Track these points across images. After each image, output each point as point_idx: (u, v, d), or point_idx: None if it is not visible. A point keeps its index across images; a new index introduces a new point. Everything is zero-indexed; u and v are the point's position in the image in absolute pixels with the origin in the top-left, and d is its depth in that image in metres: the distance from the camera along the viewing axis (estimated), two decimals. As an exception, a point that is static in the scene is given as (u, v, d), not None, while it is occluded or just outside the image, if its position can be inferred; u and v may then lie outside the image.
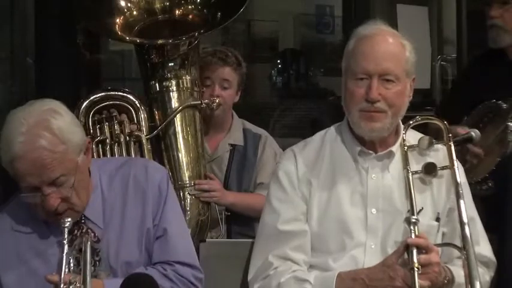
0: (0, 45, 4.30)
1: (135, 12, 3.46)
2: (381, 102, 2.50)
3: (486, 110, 3.37)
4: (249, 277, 2.60)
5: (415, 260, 2.37)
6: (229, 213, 3.58)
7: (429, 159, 2.62)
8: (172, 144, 3.37)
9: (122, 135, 3.25)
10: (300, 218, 2.58)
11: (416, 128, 2.71)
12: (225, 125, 3.70)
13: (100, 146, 3.23)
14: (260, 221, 2.66)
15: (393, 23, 5.22)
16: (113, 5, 3.44)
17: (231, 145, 3.67)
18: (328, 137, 2.67)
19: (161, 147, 3.38)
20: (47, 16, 4.05)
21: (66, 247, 2.33)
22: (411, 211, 2.50)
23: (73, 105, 3.12)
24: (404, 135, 2.63)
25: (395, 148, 2.62)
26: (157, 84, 3.37)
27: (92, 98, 3.26)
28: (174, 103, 3.36)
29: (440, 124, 2.71)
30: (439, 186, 2.62)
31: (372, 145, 2.60)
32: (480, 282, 2.39)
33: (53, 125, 2.38)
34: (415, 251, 2.38)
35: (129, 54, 5.81)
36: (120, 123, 3.27)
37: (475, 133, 3.20)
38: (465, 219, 2.49)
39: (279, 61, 7.40)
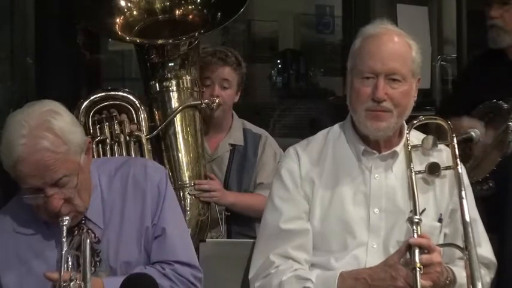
0: (0, 45, 4.30)
1: (135, 12, 3.46)
2: (387, 102, 2.50)
3: (486, 110, 3.38)
4: (250, 275, 2.59)
5: (417, 260, 2.37)
6: (229, 213, 3.57)
7: (432, 160, 2.63)
8: (172, 144, 3.37)
9: (122, 135, 3.25)
10: (302, 216, 2.57)
11: (417, 128, 2.71)
12: (225, 125, 3.70)
13: (100, 146, 3.23)
14: (262, 220, 2.66)
15: (393, 23, 5.23)
16: (113, 5, 3.44)
17: (231, 145, 3.67)
18: (331, 136, 2.67)
19: (161, 147, 3.37)
20: (47, 16, 4.06)
21: (65, 245, 2.33)
22: (414, 211, 2.50)
23: (73, 105, 3.12)
24: (408, 135, 2.63)
25: (399, 148, 2.62)
26: (157, 84, 3.37)
27: (92, 98, 3.26)
28: (174, 103, 3.36)
29: (444, 124, 2.71)
30: (441, 186, 2.62)
31: (376, 145, 2.60)
32: (482, 284, 2.39)
33: (55, 126, 2.38)
34: (417, 251, 2.39)
35: (129, 54, 5.80)
36: (120, 123, 3.27)
37: (475, 133, 3.20)
38: (468, 220, 2.49)
39: (279, 61, 7.39)
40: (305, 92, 7.29)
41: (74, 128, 2.45)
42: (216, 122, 3.65)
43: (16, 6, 4.27)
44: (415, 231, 2.43)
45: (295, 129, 6.67)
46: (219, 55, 3.60)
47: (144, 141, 3.26)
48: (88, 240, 2.38)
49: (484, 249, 2.61)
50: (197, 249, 2.74)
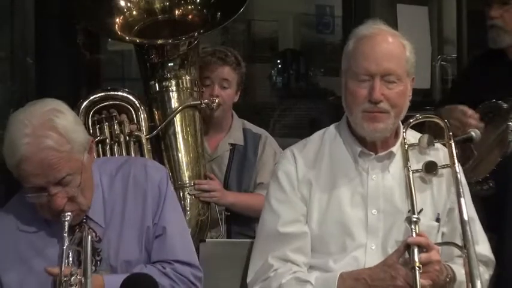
0: (0, 45, 4.30)
1: (134, 12, 3.46)
2: (384, 103, 2.50)
3: (486, 110, 3.38)
4: (248, 279, 2.59)
5: (416, 259, 2.37)
6: (229, 213, 3.57)
7: (429, 159, 2.62)
8: (172, 144, 3.37)
9: (122, 135, 3.25)
10: (300, 219, 2.57)
11: (413, 127, 2.71)
12: (224, 124, 3.70)
13: (100, 146, 3.23)
14: (259, 223, 2.65)
15: (393, 23, 5.22)
16: (113, 5, 3.44)
17: (231, 145, 3.66)
18: (327, 137, 2.66)
19: (161, 147, 3.38)
20: (47, 16, 4.06)
21: (66, 240, 2.33)
22: (412, 210, 2.50)
23: (73, 105, 3.12)
24: (404, 134, 2.63)
25: (396, 149, 2.61)
26: (157, 84, 3.37)
27: (91, 98, 3.26)
28: (174, 103, 3.36)
29: (441, 122, 2.71)
30: (439, 186, 2.62)
31: (372, 146, 2.59)
32: (481, 281, 2.39)
33: (58, 125, 2.38)
34: (416, 250, 2.38)
35: (129, 54, 5.80)
36: (120, 123, 3.27)
37: (475, 133, 3.20)
38: (466, 218, 2.49)
39: (279, 61, 7.39)
40: (305, 92, 7.28)
41: (77, 127, 2.45)
42: (216, 121, 3.65)
43: (16, 6, 4.26)
44: (413, 230, 2.44)
45: (295, 129, 6.67)
46: (218, 55, 3.59)
47: (144, 141, 3.26)
48: (89, 236, 2.38)
49: (482, 247, 2.61)
50: (197, 249, 2.74)
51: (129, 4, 3.45)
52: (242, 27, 7.03)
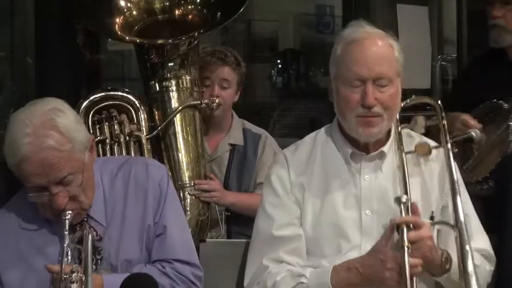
0: (0, 45, 4.30)
1: (134, 12, 3.46)
2: (377, 107, 2.49)
3: (487, 110, 3.38)
4: (245, 283, 2.59)
5: (405, 238, 2.37)
6: (229, 213, 3.58)
7: (423, 161, 2.61)
8: (172, 144, 3.37)
9: (122, 135, 3.25)
10: (295, 222, 2.57)
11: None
12: (224, 124, 3.70)
13: (100, 146, 3.23)
14: (254, 227, 2.64)
15: (393, 23, 5.23)
16: (113, 5, 3.44)
17: (231, 145, 3.66)
18: (319, 139, 2.66)
19: (161, 147, 3.38)
20: (47, 16, 4.06)
21: (67, 238, 2.33)
22: (405, 190, 2.50)
23: (73, 105, 3.11)
24: (398, 119, 2.61)
25: (387, 148, 2.61)
26: (157, 84, 3.37)
27: (91, 98, 3.26)
28: (174, 103, 3.36)
29: (433, 102, 2.71)
30: (431, 183, 2.60)
31: (364, 146, 2.59)
32: (472, 258, 2.38)
33: (59, 124, 2.38)
34: (405, 230, 2.38)
35: (129, 54, 5.80)
36: (120, 123, 3.27)
37: (475, 133, 3.20)
38: (457, 192, 2.49)
39: (279, 61, 7.39)
40: (305, 92, 7.28)
41: (78, 126, 2.45)
42: (216, 121, 3.65)
43: (16, 6, 4.26)
44: (402, 210, 2.43)
45: (295, 129, 6.67)
46: (218, 55, 3.60)
47: (144, 141, 3.26)
48: (90, 235, 2.39)
49: (478, 241, 2.59)
50: (197, 249, 2.74)
51: (129, 4, 3.45)
52: (242, 27, 7.03)
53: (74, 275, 2.28)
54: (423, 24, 5.72)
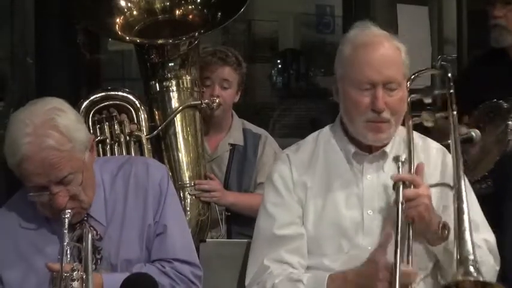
0: (0, 45, 4.30)
1: (135, 12, 3.45)
2: (386, 112, 2.48)
3: (487, 110, 3.38)
4: (246, 282, 2.58)
5: (400, 195, 2.37)
6: (229, 213, 3.57)
7: (422, 155, 2.61)
8: (172, 144, 3.37)
9: (122, 135, 3.25)
10: (296, 221, 2.57)
11: (415, 127, 2.70)
12: (224, 125, 3.70)
13: (100, 145, 3.23)
14: (255, 226, 2.64)
15: (393, 23, 5.23)
16: (113, 4, 3.43)
17: (231, 145, 3.66)
18: (321, 139, 2.65)
19: (161, 147, 3.37)
20: (47, 16, 4.06)
21: (66, 237, 2.34)
22: (408, 156, 2.51)
23: (73, 105, 3.12)
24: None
25: (389, 148, 2.60)
26: (157, 84, 3.37)
27: (92, 98, 3.26)
28: (174, 103, 3.36)
29: (440, 72, 2.76)
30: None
31: (366, 146, 2.59)
32: (469, 217, 2.35)
33: (59, 124, 2.38)
34: (401, 187, 2.39)
35: (129, 54, 5.81)
36: (120, 123, 3.27)
37: (475, 133, 3.20)
38: (456, 158, 2.49)
39: (279, 61, 7.39)
40: (305, 92, 7.28)
41: (79, 126, 2.45)
42: (216, 121, 3.65)
43: (16, 6, 4.27)
44: (399, 169, 2.44)
45: (295, 129, 6.67)
46: (219, 55, 3.59)
47: (144, 141, 3.26)
48: (90, 233, 2.39)
49: (488, 235, 2.58)
50: (197, 249, 2.73)
51: (129, 4, 3.45)
52: (242, 27, 7.03)
53: (74, 273, 2.28)
54: (423, 24, 5.72)
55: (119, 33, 3.43)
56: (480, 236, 2.51)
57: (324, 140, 2.65)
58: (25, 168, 2.35)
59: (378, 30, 2.57)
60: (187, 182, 3.36)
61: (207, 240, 3.00)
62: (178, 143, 3.37)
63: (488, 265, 2.52)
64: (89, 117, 3.23)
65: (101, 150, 3.23)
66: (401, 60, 2.54)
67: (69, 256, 2.34)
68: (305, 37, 7.55)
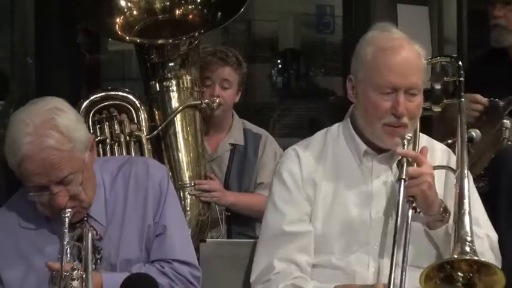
0: (0, 45, 4.30)
1: (135, 12, 3.45)
2: (405, 117, 2.49)
3: (486, 109, 3.39)
4: (252, 278, 2.58)
5: (404, 171, 2.39)
6: (229, 213, 3.57)
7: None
8: (172, 144, 3.37)
9: (122, 135, 3.25)
10: (305, 219, 2.56)
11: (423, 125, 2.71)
12: (225, 124, 3.70)
13: (100, 145, 3.23)
14: (263, 222, 2.63)
15: (393, 23, 5.23)
16: (113, 4, 3.43)
17: (232, 145, 3.66)
18: (330, 137, 2.65)
19: (161, 147, 3.37)
20: (47, 16, 4.06)
21: (66, 236, 2.34)
22: (414, 137, 2.53)
23: (73, 105, 3.12)
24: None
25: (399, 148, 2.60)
26: (157, 84, 3.37)
27: (92, 98, 3.26)
28: (174, 103, 3.36)
29: (451, 60, 2.88)
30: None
31: (376, 146, 2.59)
32: (469, 200, 2.38)
33: (59, 124, 2.37)
34: (405, 164, 2.41)
35: (129, 54, 5.80)
36: (120, 123, 3.27)
37: (475, 133, 3.20)
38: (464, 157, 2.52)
39: (279, 61, 7.38)
40: (305, 92, 7.28)
41: (79, 125, 2.45)
42: (216, 121, 3.65)
43: (16, 6, 4.27)
44: (404, 145, 2.46)
45: (295, 129, 6.67)
46: (219, 55, 3.59)
47: (144, 141, 3.26)
48: (90, 233, 2.39)
49: (491, 232, 2.59)
50: (197, 249, 2.74)
51: (129, 4, 3.45)
52: (242, 27, 7.03)
53: (74, 272, 2.28)
54: (423, 24, 5.72)
55: (119, 33, 3.43)
56: (482, 231, 2.51)
57: (333, 138, 2.64)
58: (25, 168, 2.35)
59: (398, 33, 2.56)
60: (188, 182, 3.36)
61: (207, 240, 2.99)
62: (179, 143, 3.37)
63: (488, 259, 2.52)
64: (89, 117, 3.23)
65: (101, 150, 3.23)
66: (422, 66, 2.54)
67: (69, 255, 2.34)
68: (305, 37, 7.55)
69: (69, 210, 2.38)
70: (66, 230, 2.35)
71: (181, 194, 3.32)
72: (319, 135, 2.69)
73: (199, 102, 3.39)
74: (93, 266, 2.42)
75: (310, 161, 2.61)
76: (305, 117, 6.91)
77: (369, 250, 2.50)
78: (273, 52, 7.37)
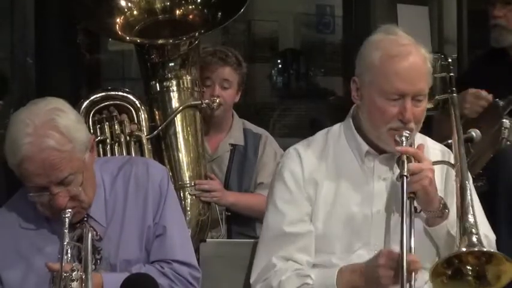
0: (0, 45, 4.30)
1: (135, 12, 3.45)
2: (412, 122, 2.49)
3: (485, 109, 3.39)
4: (252, 279, 2.58)
5: (405, 168, 2.39)
6: (229, 213, 3.57)
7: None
8: (172, 144, 3.37)
9: (122, 135, 3.25)
10: (305, 219, 2.56)
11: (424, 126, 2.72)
12: (225, 125, 3.70)
13: (100, 146, 3.23)
14: (264, 222, 2.63)
15: (393, 23, 5.23)
16: (113, 4, 3.43)
17: (232, 145, 3.66)
18: (331, 137, 2.65)
19: (161, 147, 3.37)
20: (47, 16, 4.06)
21: (66, 237, 2.34)
22: (411, 135, 2.52)
23: (73, 105, 3.12)
24: None
25: None
26: (157, 84, 3.37)
27: (92, 98, 3.27)
28: (175, 103, 3.36)
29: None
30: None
31: (377, 146, 2.59)
32: (471, 193, 2.40)
33: (60, 124, 2.37)
34: (405, 161, 2.41)
35: (129, 54, 5.80)
36: (121, 123, 3.27)
37: (475, 133, 3.21)
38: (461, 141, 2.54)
39: (279, 61, 7.38)
40: (305, 92, 7.27)
41: (79, 126, 2.45)
42: (216, 121, 3.65)
43: (16, 6, 4.27)
44: (403, 142, 2.45)
45: (295, 129, 6.66)
46: (219, 55, 3.59)
47: (144, 141, 3.26)
48: (90, 233, 2.39)
49: (490, 233, 2.60)
50: (197, 249, 2.74)
51: (129, 4, 3.45)
52: (242, 27, 7.03)
53: (74, 273, 2.28)
54: (423, 24, 5.72)
55: (119, 33, 3.43)
56: (481, 231, 2.51)
57: (334, 138, 2.64)
58: (25, 169, 2.35)
59: (405, 37, 2.55)
60: (188, 182, 3.36)
61: (207, 240, 2.99)
62: (179, 143, 3.37)
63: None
64: (89, 117, 3.23)
65: (101, 150, 3.23)
66: (428, 70, 2.53)
67: (69, 256, 2.34)
68: (305, 37, 7.54)
69: (69, 210, 2.38)
70: (66, 231, 2.35)
71: (182, 194, 3.32)
72: (320, 135, 2.69)
73: (200, 102, 3.39)
74: (93, 266, 2.41)
75: (311, 160, 2.61)
76: (305, 117, 6.90)
77: (370, 250, 2.50)
78: (273, 52, 7.37)
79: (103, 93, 3.30)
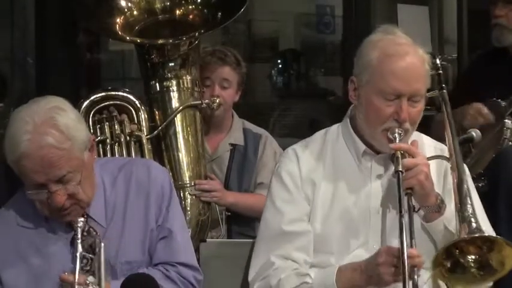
0: (0, 45, 4.30)
1: (135, 12, 3.46)
2: (407, 123, 2.49)
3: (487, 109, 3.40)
4: (250, 277, 2.58)
5: (399, 164, 2.40)
6: (229, 213, 3.58)
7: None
8: (172, 144, 3.37)
9: (122, 135, 3.26)
10: (304, 218, 2.57)
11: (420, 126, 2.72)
12: (225, 125, 3.70)
13: (100, 145, 3.23)
14: (262, 222, 2.64)
15: (393, 23, 5.23)
16: (113, 5, 3.44)
17: (232, 145, 3.66)
18: (329, 137, 2.66)
19: (161, 147, 3.38)
20: (47, 16, 4.06)
21: (79, 246, 2.35)
22: (405, 131, 2.52)
23: (73, 105, 3.12)
24: None
25: None
26: (157, 84, 3.37)
27: (92, 98, 3.27)
28: (175, 103, 3.36)
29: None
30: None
31: (375, 146, 2.59)
32: (468, 185, 2.40)
33: (59, 123, 2.38)
34: (400, 157, 2.42)
35: (129, 54, 5.80)
36: (121, 123, 3.28)
37: (475, 133, 3.21)
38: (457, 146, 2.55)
39: (279, 61, 7.38)
40: (305, 92, 7.27)
41: (79, 125, 2.45)
42: (216, 121, 3.65)
43: (16, 6, 4.27)
44: (396, 139, 2.46)
45: (295, 129, 6.66)
46: (218, 55, 3.59)
47: (144, 141, 3.26)
48: (102, 243, 2.39)
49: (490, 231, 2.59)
50: (197, 249, 2.74)
51: (129, 4, 3.45)
52: (242, 27, 7.02)
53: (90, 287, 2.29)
54: (423, 24, 5.72)
55: (119, 33, 3.43)
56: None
57: (332, 139, 2.65)
58: (24, 165, 2.36)
59: (403, 37, 2.55)
60: (188, 182, 3.36)
61: (207, 240, 3.00)
62: (179, 143, 3.37)
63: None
64: (89, 117, 3.23)
65: (101, 150, 3.23)
66: (426, 72, 2.54)
67: (78, 264, 2.34)
68: (305, 37, 7.53)
69: (82, 220, 2.39)
70: (78, 241, 2.36)
71: (182, 194, 3.32)
72: (318, 135, 2.69)
73: (200, 102, 3.39)
74: (91, 266, 2.41)
75: (309, 161, 2.61)
76: (305, 117, 6.89)
77: (367, 249, 2.50)
78: (273, 52, 7.37)
79: (103, 93, 3.30)
